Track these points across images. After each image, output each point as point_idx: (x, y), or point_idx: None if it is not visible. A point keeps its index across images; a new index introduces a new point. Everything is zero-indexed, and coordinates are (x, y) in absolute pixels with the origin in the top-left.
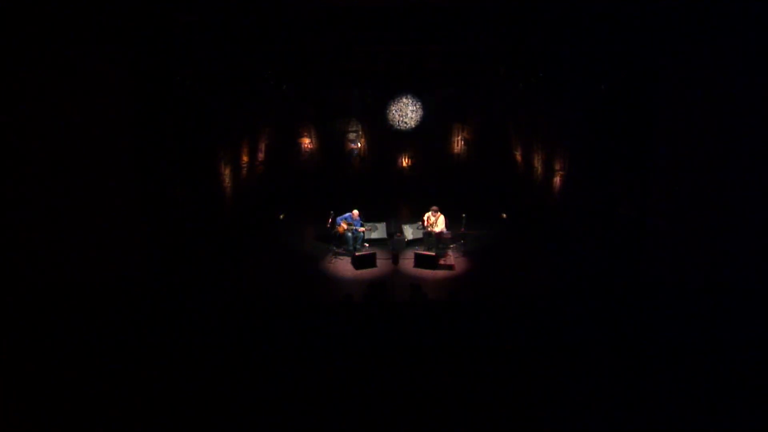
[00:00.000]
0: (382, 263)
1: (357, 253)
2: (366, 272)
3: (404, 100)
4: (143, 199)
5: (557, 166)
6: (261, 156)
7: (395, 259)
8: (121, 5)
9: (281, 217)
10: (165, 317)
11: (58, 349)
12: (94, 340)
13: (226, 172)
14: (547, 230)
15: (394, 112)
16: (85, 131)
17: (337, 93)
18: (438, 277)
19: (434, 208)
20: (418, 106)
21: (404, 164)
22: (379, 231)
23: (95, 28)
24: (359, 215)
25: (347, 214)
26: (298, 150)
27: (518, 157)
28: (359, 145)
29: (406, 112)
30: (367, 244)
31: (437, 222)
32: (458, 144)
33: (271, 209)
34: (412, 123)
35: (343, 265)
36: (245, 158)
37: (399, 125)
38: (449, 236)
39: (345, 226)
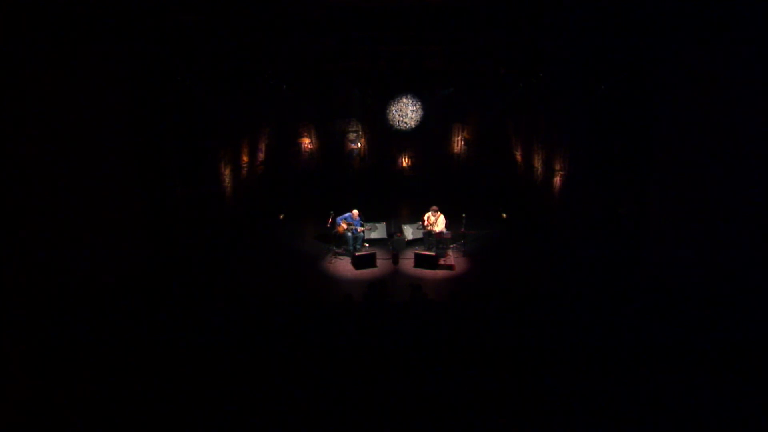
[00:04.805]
0: (382, 263)
1: (357, 253)
2: (366, 272)
3: (404, 100)
4: (143, 199)
5: (557, 166)
6: (261, 156)
7: (395, 259)
8: (121, 5)
9: (281, 217)
10: (165, 317)
11: (58, 348)
12: (95, 340)
13: (226, 172)
14: (547, 230)
15: (394, 112)
16: (86, 131)
17: (337, 93)
18: (438, 277)
19: (434, 208)
20: (418, 106)
21: (404, 164)
22: (379, 231)
23: (95, 28)
24: (359, 215)
25: (347, 214)
26: (298, 150)
27: (518, 157)
28: (359, 145)
29: (406, 112)
30: (367, 244)
31: (437, 222)
32: (458, 144)
33: (271, 209)
34: (412, 123)
35: (343, 265)
36: (245, 158)
37: (399, 125)
38: (449, 236)
39: (345, 226)
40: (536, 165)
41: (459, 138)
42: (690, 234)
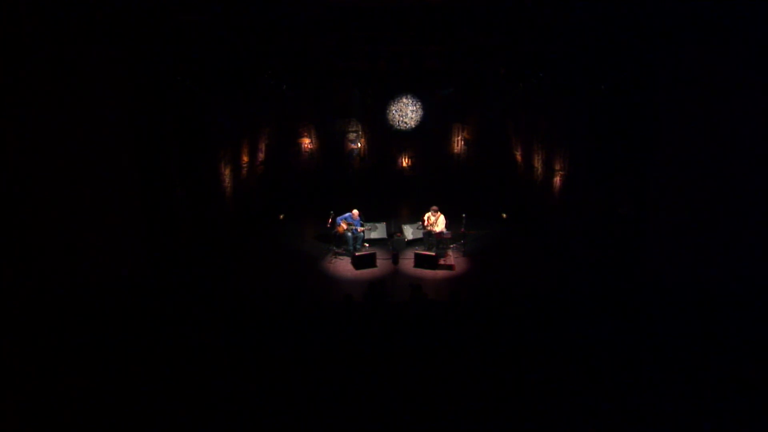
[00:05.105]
0: (382, 263)
1: (357, 253)
2: (366, 272)
3: (404, 100)
4: (143, 200)
5: (557, 166)
6: (261, 156)
7: (395, 259)
8: (121, 5)
9: (281, 217)
10: (165, 317)
11: (58, 349)
12: (95, 340)
13: (226, 172)
14: (547, 230)
15: (394, 112)
16: (86, 131)
17: (337, 93)
18: (438, 277)
19: (434, 208)
20: (418, 106)
21: (404, 164)
22: (379, 231)
23: (95, 28)
24: (359, 215)
25: (347, 214)
26: (298, 150)
27: (518, 157)
28: (359, 145)
29: (406, 112)
30: (367, 244)
31: (437, 222)
32: (458, 144)
33: (271, 209)
34: (412, 123)
35: (343, 265)
36: (245, 158)
37: (399, 125)
38: (449, 236)
39: (345, 226)
40: (536, 165)
41: (459, 138)
42: (690, 234)
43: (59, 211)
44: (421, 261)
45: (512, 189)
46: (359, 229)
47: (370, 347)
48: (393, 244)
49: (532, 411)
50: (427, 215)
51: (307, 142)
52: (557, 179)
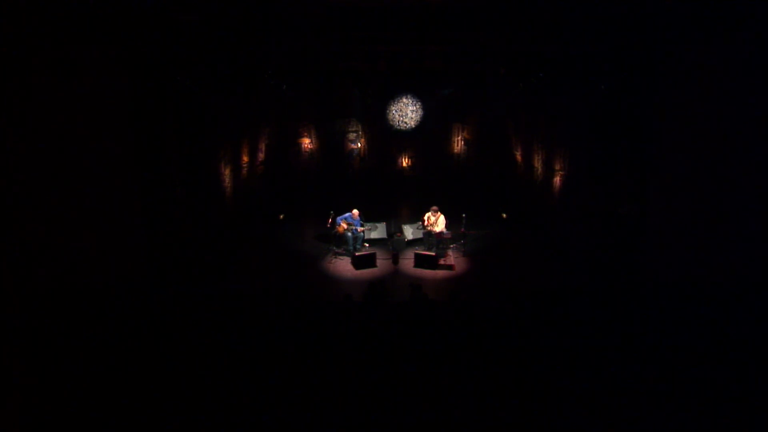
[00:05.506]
0: (382, 263)
1: (357, 253)
2: (366, 272)
3: (404, 100)
4: (143, 200)
5: (557, 166)
6: (261, 156)
7: (395, 259)
8: (121, 5)
9: (281, 217)
10: (165, 317)
11: (58, 348)
12: (94, 341)
13: (226, 172)
14: (547, 230)
15: (394, 112)
16: (85, 131)
17: (337, 93)
18: (438, 277)
19: (434, 208)
20: (418, 106)
21: (404, 164)
22: (379, 231)
23: (95, 28)
24: (359, 215)
25: (347, 214)
26: (298, 150)
27: (518, 157)
28: (359, 145)
29: (406, 112)
30: (367, 244)
31: (437, 222)
32: (458, 144)
33: (271, 209)
34: (412, 123)
35: (343, 265)
36: (245, 158)
37: (399, 125)
38: (449, 236)
39: (345, 226)
40: (536, 165)
41: (459, 138)
42: (690, 234)
43: (59, 211)
44: (421, 261)
45: (512, 189)
46: (359, 229)
47: (370, 347)
48: (393, 244)
49: (533, 411)
50: (427, 215)
51: (307, 142)
52: (557, 179)
